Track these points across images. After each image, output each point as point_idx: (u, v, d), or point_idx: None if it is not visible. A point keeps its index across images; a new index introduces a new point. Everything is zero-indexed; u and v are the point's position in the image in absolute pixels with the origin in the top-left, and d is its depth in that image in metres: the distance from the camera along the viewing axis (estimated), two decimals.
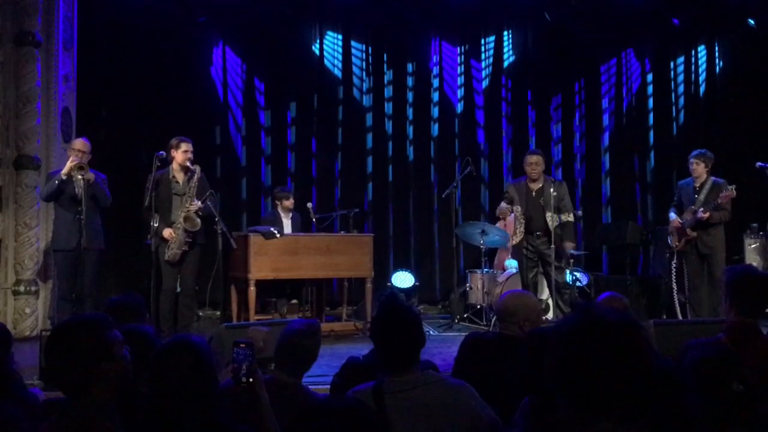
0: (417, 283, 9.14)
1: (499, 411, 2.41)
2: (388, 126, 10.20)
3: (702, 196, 7.38)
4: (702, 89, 10.63)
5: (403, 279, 9.12)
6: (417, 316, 2.53)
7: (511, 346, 3.13)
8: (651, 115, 10.70)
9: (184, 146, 6.53)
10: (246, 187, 9.59)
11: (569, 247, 7.39)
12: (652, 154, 10.65)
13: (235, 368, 2.23)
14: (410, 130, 10.26)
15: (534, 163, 7.30)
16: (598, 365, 1.35)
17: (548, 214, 7.24)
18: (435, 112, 10.34)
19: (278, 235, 7.21)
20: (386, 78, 10.17)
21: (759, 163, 7.40)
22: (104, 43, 8.67)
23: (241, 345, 2.24)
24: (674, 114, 10.66)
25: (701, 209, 7.24)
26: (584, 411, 1.37)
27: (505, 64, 10.45)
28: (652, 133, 10.67)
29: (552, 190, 7.24)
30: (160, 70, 8.95)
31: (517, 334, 3.27)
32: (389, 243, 9.97)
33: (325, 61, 9.99)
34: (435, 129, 10.34)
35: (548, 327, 3.02)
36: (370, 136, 10.13)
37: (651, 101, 10.68)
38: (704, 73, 10.65)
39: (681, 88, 10.66)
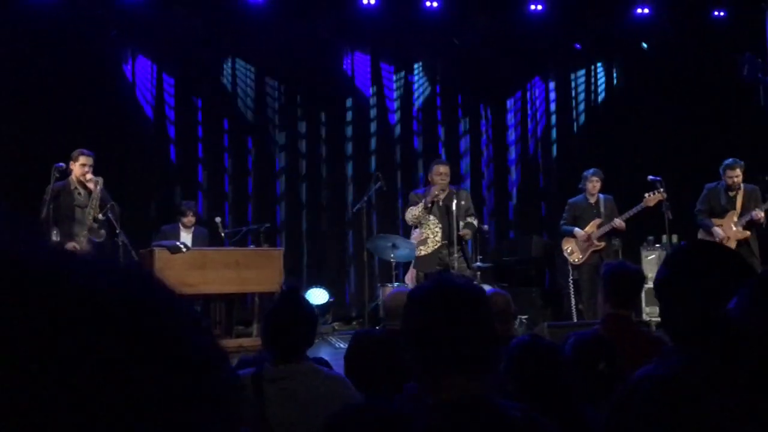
0: (331, 299, 9.13)
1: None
2: (301, 145, 10.26)
3: (603, 210, 7.81)
4: (600, 97, 11.19)
5: (317, 296, 9.08)
6: (313, 316, 2.56)
7: (397, 341, 3.14)
8: (554, 131, 11.14)
9: (82, 159, 6.43)
10: (162, 198, 9.48)
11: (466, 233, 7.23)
12: (554, 167, 11.07)
13: None
14: (323, 148, 10.35)
15: (444, 173, 7.12)
16: (450, 324, 1.48)
17: (460, 224, 7.16)
18: (349, 130, 10.48)
19: (184, 250, 7.12)
20: (299, 99, 10.28)
21: (650, 177, 7.72)
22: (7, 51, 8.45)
23: None
24: (574, 129, 11.16)
25: (615, 220, 7.64)
26: (438, 367, 1.48)
27: (416, 88, 10.74)
28: (555, 147, 11.09)
29: (462, 200, 7.18)
30: (67, 80, 8.74)
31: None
32: (302, 259, 9.96)
33: (238, 88, 10.03)
34: (349, 147, 10.46)
35: None
36: (282, 155, 10.18)
37: (554, 118, 11.14)
38: (602, 85, 11.22)
39: (582, 118, 11.18)
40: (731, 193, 7.68)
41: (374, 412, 1.43)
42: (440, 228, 7.04)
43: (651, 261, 8.75)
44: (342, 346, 7.82)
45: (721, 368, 1.38)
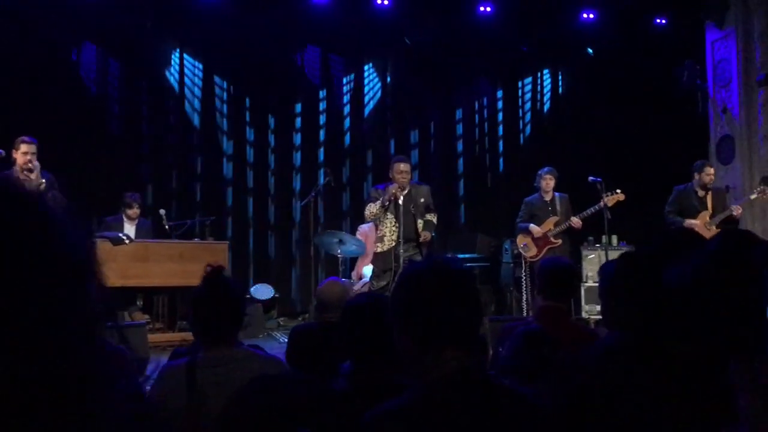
0: (277, 295, 9.06)
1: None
2: (250, 134, 10.18)
3: (559, 208, 7.94)
4: (546, 117, 11.38)
5: (262, 291, 9.00)
6: (237, 294, 2.54)
7: (331, 331, 3.19)
8: (500, 128, 11.32)
9: (23, 147, 6.24)
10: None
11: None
12: (500, 167, 11.24)
13: None
14: (271, 137, 10.28)
15: (404, 171, 6.93)
16: (446, 300, 1.54)
17: (419, 222, 7.04)
18: (298, 122, 10.44)
19: (127, 241, 7.03)
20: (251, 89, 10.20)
21: (591, 177, 7.87)
22: None
23: None
24: (521, 141, 11.33)
25: (572, 219, 7.81)
26: (439, 340, 1.54)
27: (367, 89, 10.77)
28: (501, 160, 11.29)
29: (421, 198, 7.08)
30: (13, 67, 8.49)
31: (336, 320, 3.27)
32: (249, 254, 9.89)
33: (186, 80, 9.91)
34: (298, 138, 10.41)
35: None
36: (230, 143, 10.10)
37: (501, 127, 11.32)
38: (548, 102, 11.40)
39: (528, 117, 11.35)
40: (701, 194, 7.74)
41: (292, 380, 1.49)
42: (397, 227, 6.92)
43: (591, 260, 8.90)
44: (282, 339, 7.82)
45: (649, 344, 1.50)
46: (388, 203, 6.89)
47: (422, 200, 7.02)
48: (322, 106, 10.51)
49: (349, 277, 8.19)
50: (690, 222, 7.54)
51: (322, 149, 10.51)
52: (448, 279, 1.57)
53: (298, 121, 10.44)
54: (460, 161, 11.23)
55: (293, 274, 10.14)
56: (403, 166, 6.94)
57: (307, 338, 3.41)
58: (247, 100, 10.18)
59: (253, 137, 10.21)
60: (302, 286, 9.83)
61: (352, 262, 8.48)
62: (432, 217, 7.13)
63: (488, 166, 11.36)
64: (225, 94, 10.10)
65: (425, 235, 6.94)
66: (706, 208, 7.68)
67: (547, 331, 2.79)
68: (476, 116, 11.32)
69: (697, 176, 7.73)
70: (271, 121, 10.28)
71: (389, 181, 6.97)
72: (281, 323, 9.26)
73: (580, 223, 7.83)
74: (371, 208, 6.99)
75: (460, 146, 11.26)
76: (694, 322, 1.50)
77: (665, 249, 1.79)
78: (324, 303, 3.62)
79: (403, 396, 1.53)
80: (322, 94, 10.55)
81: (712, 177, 7.77)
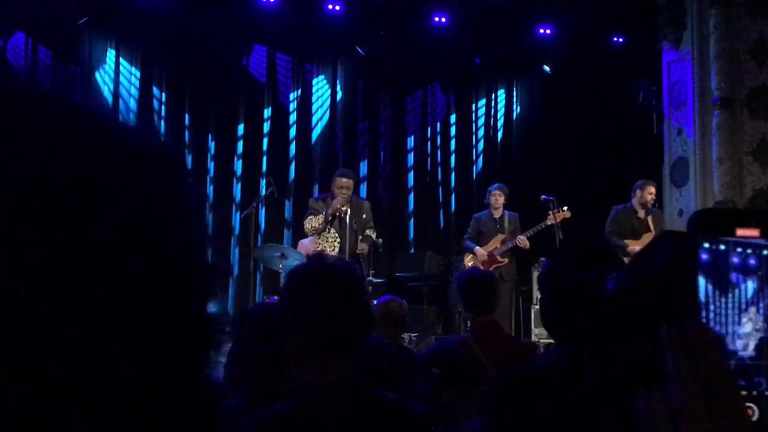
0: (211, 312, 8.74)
1: None
2: (188, 138, 9.92)
3: (507, 226, 7.87)
4: (500, 134, 11.46)
5: None
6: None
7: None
8: (453, 157, 11.32)
9: None
10: None
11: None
12: (452, 196, 11.25)
13: None
14: (212, 144, 10.02)
15: (346, 186, 6.93)
16: (323, 304, 1.53)
17: (359, 237, 7.10)
18: (241, 129, 10.22)
19: None
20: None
21: (543, 196, 7.89)
22: None
23: None
24: (474, 157, 11.37)
25: (519, 237, 7.71)
26: (311, 347, 1.53)
27: (315, 96, 10.70)
28: (453, 175, 11.29)
29: (363, 213, 7.11)
30: None
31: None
32: None
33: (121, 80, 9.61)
34: (240, 145, 10.20)
35: None
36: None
37: (453, 142, 11.30)
38: (502, 118, 11.49)
39: (481, 132, 11.41)
40: (641, 214, 7.64)
41: None
42: (339, 242, 6.93)
43: None
44: (222, 360, 7.47)
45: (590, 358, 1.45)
46: (331, 218, 6.90)
47: (364, 216, 7.09)
48: (267, 113, 10.35)
49: None
50: (634, 248, 7.36)
51: (265, 157, 10.28)
52: (329, 281, 1.56)
53: (241, 127, 10.23)
54: (410, 175, 11.17)
55: (231, 289, 9.83)
56: (345, 182, 6.95)
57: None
58: (186, 102, 9.93)
59: (191, 141, 9.96)
60: (240, 303, 9.45)
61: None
62: (371, 233, 7.20)
63: (439, 181, 11.32)
64: (163, 95, 9.81)
65: (362, 248, 6.99)
66: (649, 230, 7.54)
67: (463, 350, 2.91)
68: (428, 129, 11.32)
69: (639, 194, 7.63)
70: (212, 125, 10.05)
71: (330, 191, 7.03)
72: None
73: (527, 242, 7.77)
74: (312, 222, 6.97)
75: (410, 159, 11.22)
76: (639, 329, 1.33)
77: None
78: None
79: (280, 404, 1.53)
80: (267, 99, 10.36)
81: (653, 196, 7.71)
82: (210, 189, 9.97)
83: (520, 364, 2.63)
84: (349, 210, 6.94)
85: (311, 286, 1.55)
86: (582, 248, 1.88)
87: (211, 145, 10.04)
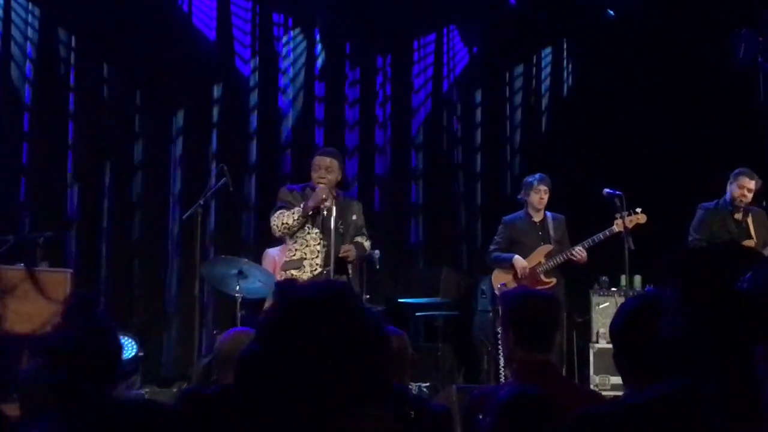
0: (141, 353, 8.69)
1: None
2: (104, 91, 9.83)
3: (553, 233, 7.98)
4: (544, 104, 11.52)
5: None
6: (109, 328, 2.70)
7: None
8: (478, 132, 11.35)
9: None
10: None
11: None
12: (478, 185, 11.24)
13: None
14: (138, 117, 9.89)
15: (329, 167, 7.05)
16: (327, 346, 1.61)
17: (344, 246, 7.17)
18: (183, 96, 10.14)
19: None
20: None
21: (607, 190, 7.82)
22: None
23: None
24: (507, 132, 11.50)
25: (575, 249, 7.77)
26: (320, 405, 1.62)
27: (285, 40, 10.77)
28: (479, 158, 11.29)
29: (353, 215, 7.24)
30: None
31: None
32: (100, 289, 9.44)
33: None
34: (180, 117, 10.09)
35: None
36: (78, 122, 9.70)
37: (478, 113, 11.35)
38: (547, 84, 11.63)
39: (517, 100, 11.54)
40: (738, 216, 7.86)
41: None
42: (324, 247, 7.02)
43: (604, 311, 8.99)
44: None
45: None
46: (312, 212, 7.00)
47: (354, 217, 7.26)
48: (218, 77, 10.31)
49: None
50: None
51: (214, 136, 10.14)
52: (343, 319, 1.64)
53: (183, 95, 10.14)
54: (418, 156, 11.09)
55: (167, 322, 9.74)
56: (328, 162, 7.11)
57: (199, 405, 3.43)
58: (105, 52, 9.82)
59: (110, 99, 9.86)
60: (181, 340, 9.45)
61: (257, 307, 8.12)
62: (364, 241, 7.40)
63: (459, 164, 11.24)
64: (73, 40, 9.71)
65: (347, 250, 7.08)
66: (749, 236, 7.78)
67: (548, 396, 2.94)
68: (442, 92, 11.38)
69: (733, 188, 7.89)
70: (140, 82, 9.93)
71: (310, 181, 7.17)
72: (148, 394, 8.81)
73: (585, 255, 7.86)
74: (284, 218, 7.03)
75: (419, 136, 11.15)
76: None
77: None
78: (227, 362, 3.75)
79: None
80: (218, 52, 10.35)
81: (746, 194, 7.83)
82: (137, 179, 9.89)
83: (604, 403, 2.94)
84: (334, 209, 7.03)
85: (313, 324, 1.62)
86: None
87: (137, 117, 9.91)
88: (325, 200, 6.96)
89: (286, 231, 7.06)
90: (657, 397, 1.71)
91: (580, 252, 7.78)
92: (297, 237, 7.08)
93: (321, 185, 6.97)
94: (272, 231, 7.23)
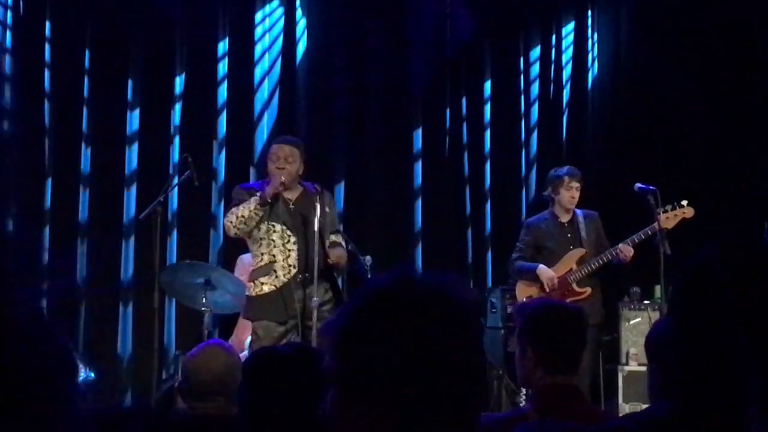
0: (91, 376, 8.58)
1: None
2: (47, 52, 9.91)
3: (586, 234, 8.05)
4: (566, 91, 11.43)
5: None
6: (66, 358, 2.64)
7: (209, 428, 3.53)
8: (487, 109, 11.25)
9: None
10: None
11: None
12: (486, 172, 11.19)
13: None
14: (86, 81, 9.94)
15: (286, 157, 7.14)
16: (432, 350, 1.65)
17: (326, 244, 7.22)
18: (135, 72, 10.19)
19: None
20: None
21: (638, 185, 7.95)
22: None
23: None
24: (521, 110, 11.31)
25: (620, 247, 7.85)
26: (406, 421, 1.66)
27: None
28: (487, 143, 11.21)
29: (326, 207, 7.22)
30: None
31: (217, 412, 3.58)
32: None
33: None
34: (127, 87, 10.05)
35: None
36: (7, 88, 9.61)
37: (487, 86, 11.26)
38: (569, 64, 11.52)
39: (535, 91, 11.46)
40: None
41: None
42: (295, 244, 7.10)
43: (635, 327, 8.94)
44: None
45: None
46: (270, 200, 7.06)
47: (327, 210, 7.32)
48: (180, 49, 10.31)
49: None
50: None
51: (177, 120, 10.19)
52: (443, 313, 1.66)
53: (134, 69, 10.13)
54: (418, 137, 11.02)
55: (120, 340, 9.77)
56: (287, 150, 7.24)
57: None
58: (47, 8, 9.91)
59: (52, 79, 9.94)
60: (138, 362, 9.54)
61: (227, 322, 8.35)
62: (340, 240, 7.54)
63: (466, 144, 11.21)
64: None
65: (338, 256, 7.23)
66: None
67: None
68: (448, 72, 11.25)
69: None
70: (87, 54, 9.99)
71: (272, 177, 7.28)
72: None
73: (632, 252, 7.94)
74: (239, 210, 7.12)
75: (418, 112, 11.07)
76: None
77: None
78: (197, 383, 3.80)
79: None
80: (181, 28, 10.34)
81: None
82: (83, 164, 9.89)
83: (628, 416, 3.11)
84: (304, 199, 7.24)
85: (409, 321, 1.66)
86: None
87: (86, 82, 9.98)
88: (283, 183, 7.07)
89: (242, 226, 7.13)
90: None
91: (626, 251, 7.84)
92: (261, 239, 7.15)
93: (275, 176, 7.11)
94: (226, 231, 7.38)
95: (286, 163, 7.13)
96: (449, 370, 1.64)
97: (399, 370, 1.62)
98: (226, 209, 7.47)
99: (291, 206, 7.18)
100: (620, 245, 7.86)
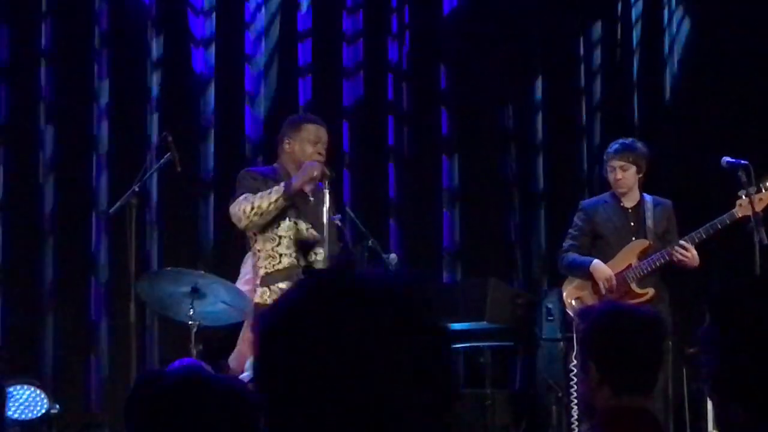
0: (54, 409, 8.63)
1: None
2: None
3: (653, 223, 7.92)
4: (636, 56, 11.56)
5: (26, 401, 8.80)
6: None
7: None
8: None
9: None
10: None
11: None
12: (540, 158, 11.30)
13: None
14: (43, 93, 9.62)
15: (323, 142, 7.28)
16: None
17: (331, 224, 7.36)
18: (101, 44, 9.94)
19: None
20: None
21: (726, 159, 7.67)
22: None
23: None
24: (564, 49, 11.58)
25: (679, 244, 7.65)
26: None
27: None
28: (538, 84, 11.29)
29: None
30: None
31: None
32: None
33: None
34: (100, 53, 9.86)
35: None
36: None
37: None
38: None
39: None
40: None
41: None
42: (322, 249, 7.22)
43: None
44: None
45: None
46: (295, 196, 7.12)
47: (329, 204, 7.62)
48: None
49: (218, 367, 8.05)
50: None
51: (154, 93, 9.84)
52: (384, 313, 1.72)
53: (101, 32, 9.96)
54: (443, 115, 10.97)
55: (92, 359, 9.56)
56: (323, 133, 7.42)
57: None
58: None
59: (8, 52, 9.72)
60: (112, 384, 9.32)
61: (223, 338, 8.26)
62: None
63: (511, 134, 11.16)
64: None
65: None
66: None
67: None
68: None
69: None
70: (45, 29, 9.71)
71: (280, 164, 7.44)
72: None
73: (694, 254, 7.72)
74: (256, 200, 7.13)
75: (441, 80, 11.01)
76: None
77: None
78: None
79: None
80: None
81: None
82: (42, 154, 9.62)
83: None
84: (327, 196, 7.20)
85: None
86: None
87: (43, 94, 9.71)
88: (317, 180, 7.13)
89: (257, 219, 7.07)
90: None
91: (681, 251, 7.58)
92: (280, 237, 7.21)
93: (314, 164, 7.11)
94: (234, 219, 7.27)
95: (322, 145, 7.28)
96: (391, 376, 1.69)
97: (332, 371, 1.68)
98: (232, 197, 7.37)
99: (311, 200, 7.29)
100: (680, 242, 7.70)
